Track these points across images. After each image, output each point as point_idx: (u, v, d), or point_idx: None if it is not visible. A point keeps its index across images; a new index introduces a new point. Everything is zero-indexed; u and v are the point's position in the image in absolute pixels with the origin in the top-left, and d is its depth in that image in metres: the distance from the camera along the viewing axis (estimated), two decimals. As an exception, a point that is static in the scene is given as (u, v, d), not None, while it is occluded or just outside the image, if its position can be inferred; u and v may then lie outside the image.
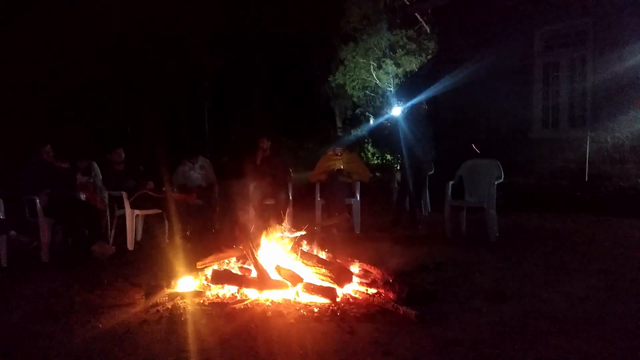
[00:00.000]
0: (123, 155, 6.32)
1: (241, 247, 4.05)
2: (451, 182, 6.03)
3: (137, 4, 15.35)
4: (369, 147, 16.77)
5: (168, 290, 3.77)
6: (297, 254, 3.92)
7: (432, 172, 7.71)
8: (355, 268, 3.96)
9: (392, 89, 15.81)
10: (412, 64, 15.50)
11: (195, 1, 17.85)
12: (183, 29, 17.59)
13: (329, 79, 17.50)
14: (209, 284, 3.78)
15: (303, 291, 3.51)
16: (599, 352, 2.58)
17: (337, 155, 6.88)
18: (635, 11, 7.75)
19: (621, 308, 3.26)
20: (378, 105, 17.47)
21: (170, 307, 3.42)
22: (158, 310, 3.36)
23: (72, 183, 5.92)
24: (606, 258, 4.66)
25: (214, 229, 6.44)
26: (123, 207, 5.83)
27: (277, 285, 3.58)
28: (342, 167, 6.77)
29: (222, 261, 4.09)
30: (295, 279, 3.56)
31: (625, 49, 7.80)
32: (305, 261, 3.83)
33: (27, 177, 5.45)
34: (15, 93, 12.03)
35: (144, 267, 4.75)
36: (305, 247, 4.12)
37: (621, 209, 6.91)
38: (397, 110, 12.41)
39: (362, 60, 16.08)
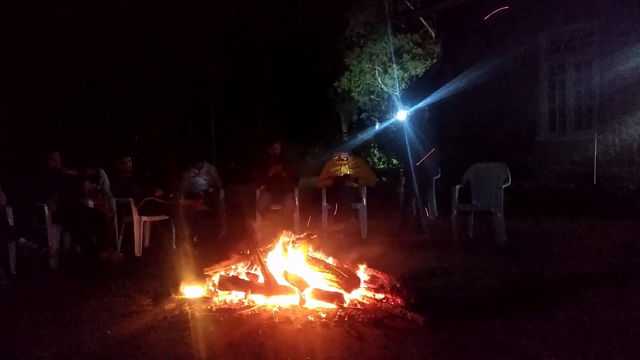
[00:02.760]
0: (130, 164, 6.37)
1: (248, 253, 4.05)
2: (458, 186, 6.01)
3: (144, 11, 15.47)
4: (375, 152, 16.77)
5: (176, 297, 3.79)
6: (305, 260, 3.91)
7: (438, 176, 7.69)
8: (362, 273, 3.95)
9: (397, 94, 15.83)
10: (418, 69, 15.52)
11: (202, 8, 17.96)
12: (189, 36, 17.70)
13: (335, 84, 17.55)
14: (216, 290, 3.78)
15: (310, 297, 3.51)
16: (610, 358, 2.56)
17: (343, 160, 6.88)
18: (640, 13, 7.73)
19: (632, 312, 3.23)
20: (383, 109, 17.49)
21: (177, 313, 3.43)
22: (166, 317, 3.36)
23: (80, 190, 5.96)
24: (616, 262, 4.62)
25: (221, 235, 6.45)
26: (130, 214, 5.85)
27: (285, 290, 3.58)
28: (348, 172, 6.77)
29: (229, 267, 4.09)
30: (303, 284, 3.55)
31: (631, 50, 7.78)
32: (312, 266, 3.82)
33: (35, 185, 5.49)
34: (22, 100, 12.14)
35: (152, 273, 4.76)
36: (312, 252, 4.11)
37: (630, 212, 6.85)
38: (402, 115, 12.41)
39: (368, 65, 16.13)
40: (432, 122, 7.06)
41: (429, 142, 6.73)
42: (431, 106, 7.42)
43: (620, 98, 8.01)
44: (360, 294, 3.63)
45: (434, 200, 7.80)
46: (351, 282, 3.61)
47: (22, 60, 12.23)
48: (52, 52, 12.72)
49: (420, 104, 7.56)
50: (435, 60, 15.17)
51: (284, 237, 4.15)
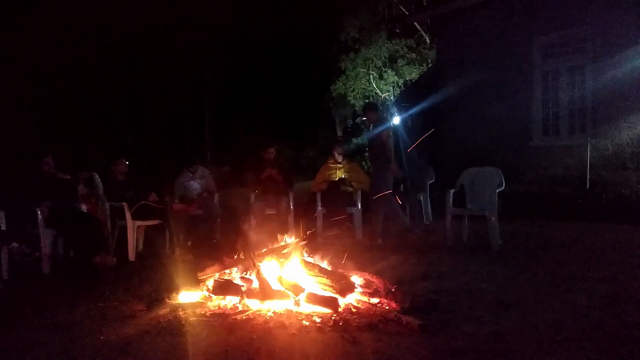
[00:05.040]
0: (126, 166, 6.36)
1: (242, 257, 4.04)
2: (452, 190, 6.02)
3: (140, 14, 15.44)
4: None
5: (169, 301, 3.76)
6: (299, 264, 3.91)
7: (433, 180, 7.72)
8: (357, 277, 3.95)
9: (392, 98, 15.88)
10: (413, 74, 15.58)
11: (198, 12, 17.97)
12: (185, 40, 17.69)
13: (330, 88, 17.58)
14: (211, 294, 3.77)
15: (305, 301, 3.50)
16: (603, 361, 2.57)
17: (337, 164, 6.88)
18: (632, 18, 7.79)
19: (625, 316, 3.24)
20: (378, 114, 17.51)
21: (171, 318, 3.41)
22: (159, 322, 3.34)
23: (74, 194, 5.92)
24: (609, 266, 4.64)
25: (215, 239, 6.43)
26: (124, 218, 5.82)
27: (279, 295, 3.57)
28: (343, 176, 6.78)
29: (223, 272, 4.08)
30: (297, 289, 3.54)
31: (624, 55, 7.84)
32: (307, 271, 3.82)
33: (28, 189, 5.45)
34: (16, 103, 12.08)
35: (145, 278, 4.73)
36: (306, 256, 4.11)
37: (623, 215, 6.89)
38: (397, 120, 12.45)
39: (362, 70, 16.18)
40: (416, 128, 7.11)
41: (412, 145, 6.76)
42: (426, 110, 7.44)
43: (613, 103, 8.07)
44: (355, 299, 3.63)
45: (429, 205, 7.81)
46: (346, 286, 3.61)
47: (17, 63, 12.18)
48: (47, 56, 12.68)
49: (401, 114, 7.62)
50: (430, 65, 15.24)
51: (279, 242, 4.14)
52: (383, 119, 6.69)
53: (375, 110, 6.71)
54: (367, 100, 15.73)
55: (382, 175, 6.24)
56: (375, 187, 6.23)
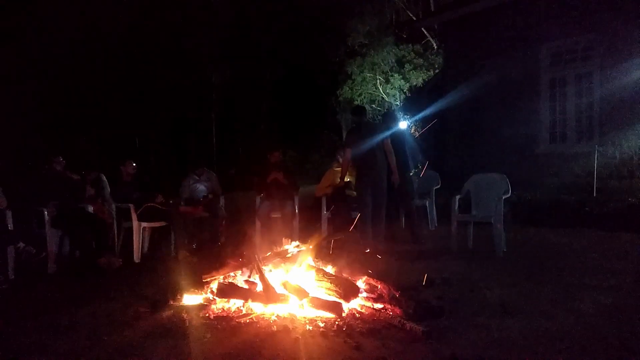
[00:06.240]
0: (134, 168, 6.41)
1: (247, 261, 4.04)
2: (458, 196, 6.01)
3: (147, 17, 15.56)
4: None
5: (173, 303, 3.77)
6: (304, 268, 3.91)
7: (438, 186, 7.71)
8: (361, 282, 3.94)
9: (398, 103, 15.88)
10: (420, 79, 15.58)
11: (204, 15, 18.08)
12: (192, 44, 17.80)
13: (337, 92, 17.60)
14: (215, 297, 3.78)
15: (309, 305, 3.50)
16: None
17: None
18: (640, 26, 7.78)
19: (630, 325, 3.22)
20: (385, 119, 17.52)
21: (175, 320, 3.41)
22: (163, 323, 3.35)
23: (81, 195, 5.96)
24: (614, 274, 4.61)
25: (220, 242, 6.44)
26: (130, 219, 5.85)
27: (283, 299, 3.57)
28: (348, 180, 6.77)
29: (227, 274, 4.08)
30: (301, 293, 3.54)
31: (632, 63, 7.81)
32: (311, 275, 3.81)
33: (35, 188, 5.49)
34: (25, 105, 12.18)
35: (150, 279, 4.75)
36: (311, 260, 4.10)
37: (630, 224, 6.85)
38: (403, 124, 12.46)
39: (369, 75, 16.20)
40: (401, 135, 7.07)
41: (400, 152, 6.70)
42: (432, 115, 7.43)
43: (620, 111, 8.04)
44: (359, 304, 3.62)
45: (434, 210, 7.80)
46: (350, 291, 3.60)
47: (24, 64, 12.29)
48: (55, 57, 12.79)
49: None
50: (437, 71, 15.23)
51: (283, 245, 4.14)
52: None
53: (360, 113, 6.66)
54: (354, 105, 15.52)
55: (361, 181, 6.22)
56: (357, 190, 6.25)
